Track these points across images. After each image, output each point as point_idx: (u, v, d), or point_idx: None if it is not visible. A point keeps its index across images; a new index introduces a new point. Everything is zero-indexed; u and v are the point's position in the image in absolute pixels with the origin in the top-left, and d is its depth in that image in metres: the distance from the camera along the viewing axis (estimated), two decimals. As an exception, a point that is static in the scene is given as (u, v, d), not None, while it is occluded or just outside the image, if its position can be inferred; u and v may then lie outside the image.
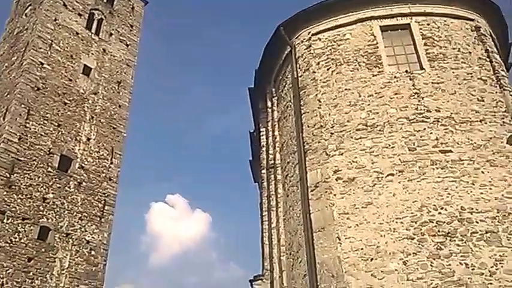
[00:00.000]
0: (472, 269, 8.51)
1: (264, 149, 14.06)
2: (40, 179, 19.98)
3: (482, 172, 9.43)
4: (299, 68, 12.30)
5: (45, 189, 19.95)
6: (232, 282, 65.28)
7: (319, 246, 9.61)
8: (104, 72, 24.36)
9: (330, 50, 12.02)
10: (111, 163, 21.97)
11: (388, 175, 9.74)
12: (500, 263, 8.52)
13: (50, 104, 21.36)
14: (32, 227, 19.13)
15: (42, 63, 22.06)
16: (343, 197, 9.92)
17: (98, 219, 21.01)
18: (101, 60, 24.42)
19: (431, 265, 8.66)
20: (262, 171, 13.97)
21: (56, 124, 21.28)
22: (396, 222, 9.22)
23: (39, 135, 20.43)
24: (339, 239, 9.45)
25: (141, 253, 72.57)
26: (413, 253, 8.83)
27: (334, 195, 10.01)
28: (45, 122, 20.86)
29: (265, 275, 12.30)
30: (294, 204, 11.44)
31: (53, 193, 20.18)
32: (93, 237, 20.77)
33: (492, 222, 8.89)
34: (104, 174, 21.67)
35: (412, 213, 9.22)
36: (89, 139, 21.92)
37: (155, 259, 71.69)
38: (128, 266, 69.07)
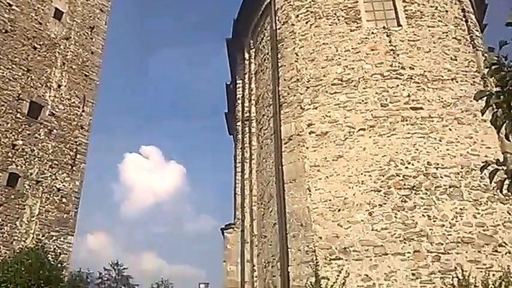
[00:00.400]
0: (434, 221, 8.94)
1: (239, 101, 14.07)
2: (9, 125, 19.47)
3: (450, 129, 9.74)
4: (278, 21, 12.17)
5: (14, 135, 19.50)
6: (205, 233, 66.54)
7: (289, 197, 9.87)
8: (76, 17, 23.46)
9: (310, 2, 11.90)
10: (83, 111, 21.55)
11: (359, 130, 9.95)
12: (460, 216, 8.97)
13: (18, 48, 20.56)
14: (0, 174, 18.81)
15: (10, 5, 21.06)
16: (315, 150, 10.12)
17: (70, 167, 20.79)
18: (73, 4, 23.46)
19: (395, 216, 9.04)
20: (238, 123, 14.04)
21: (25, 69, 20.58)
22: (365, 175, 9.51)
23: (7, 80, 19.76)
24: (309, 191, 9.72)
25: (114, 203, 72.73)
26: (379, 205, 9.18)
27: (307, 148, 10.20)
28: (14, 66, 20.14)
29: (237, 223, 12.62)
30: (267, 156, 11.62)
31: (22, 140, 19.77)
32: (64, 185, 20.61)
33: (456, 177, 9.29)
34: (75, 122, 21.29)
35: (380, 167, 9.51)
36: (60, 86, 21.36)
37: (128, 209, 72.02)
38: (101, 215, 69.29)
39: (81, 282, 11.08)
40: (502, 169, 3.17)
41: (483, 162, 3.25)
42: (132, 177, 70.73)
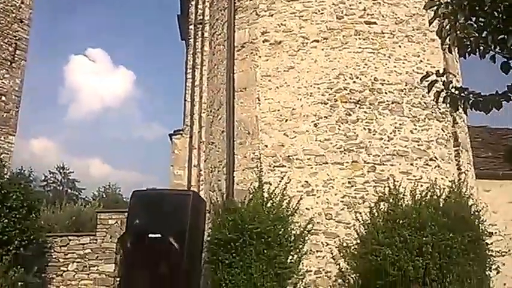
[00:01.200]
0: (373, 134, 9.42)
1: (193, 2, 13.48)
2: None
3: (400, 46, 9.95)
4: None
5: None
6: (154, 140, 66.61)
7: (239, 105, 9.98)
8: None
9: None
10: (22, 3, 19.95)
11: (313, 41, 9.94)
12: (398, 131, 9.49)
13: None
14: None
15: None
16: (268, 60, 10.09)
17: (9, 63, 19.63)
18: None
19: (338, 128, 9.43)
20: (190, 27, 13.57)
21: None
22: (314, 87, 9.69)
23: None
24: (259, 100, 9.84)
25: (59, 106, 70.42)
26: (325, 117, 9.50)
27: (259, 57, 10.14)
28: None
29: (185, 130, 12.71)
30: (219, 63, 11.46)
31: (-45, 30, 18.26)
32: (3, 83, 19.57)
33: (399, 94, 9.67)
34: (13, 15, 19.76)
35: (329, 80, 9.70)
36: (-5, -27, 19.43)
37: (74, 114, 70.15)
38: (45, 119, 67.24)
39: (23, 179, 10.95)
40: (441, 80, 3.35)
41: (424, 75, 3.40)
42: (79, 81, 68.09)
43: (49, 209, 17.80)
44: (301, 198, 8.98)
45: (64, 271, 11.77)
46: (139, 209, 2.76)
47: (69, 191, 41.57)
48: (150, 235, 2.68)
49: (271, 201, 8.94)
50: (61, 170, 41.80)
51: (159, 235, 2.65)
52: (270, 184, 9.05)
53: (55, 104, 69.03)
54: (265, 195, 8.99)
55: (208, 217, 10.27)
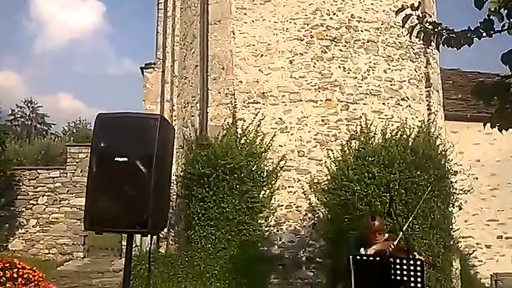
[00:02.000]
0: (348, 73, 9.40)
1: None
2: None
3: (378, -17, 9.71)
4: None
5: None
6: (126, 76, 64.99)
7: (213, 39, 9.69)
8: None
9: None
10: None
11: (290, -27, 9.58)
12: (372, 70, 9.49)
13: None
14: None
15: None
16: (243, -9, 9.72)
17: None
18: None
19: (314, 66, 9.35)
20: (161, -47, 12.82)
21: None
22: (290, 22, 9.47)
23: None
24: (233, 34, 9.58)
25: (24, 39, 67.05)
26: (300, 53, 9.37)
27: (235, -13, 9.74)
28: None
29: (157, 64, 12.36)
30: (192, -7, 10.99)
31: None
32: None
33: (375, 32, 9.57)
34: None
35: (306, 15, 9.47)
36: None
37: (40, 47, 67.16)
38: (10, 52, 64.05)
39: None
40: (415, 14, 3.29)
41: (400, 8, 3.33)
42: (45, 12, 64.62)
43: (16, 142, 17.44)
44: (274, 135, 9.03)
45: (34, 204, 11.76)
46: (105, 132, 2.67)
47: (38, 125, 40.61)
48: (116, 158, 2.61)
49: (244, 137, 8.97)
50: (29, 104, 40.57)
51: (125, 158, 2.59)
52: (244, 120, 9.04)
53: (20, 37, 65.73)
54: (239, 131, 9.00)
55: (181, 152, 10.30)
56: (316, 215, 8.82)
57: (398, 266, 3.62)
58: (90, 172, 2.79)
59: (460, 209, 9.36)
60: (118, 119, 2.85)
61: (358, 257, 3.77)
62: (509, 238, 11.56)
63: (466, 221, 11.07)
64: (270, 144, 8.96)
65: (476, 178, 11.41)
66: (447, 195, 9.01)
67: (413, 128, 9.19)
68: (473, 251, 10.67)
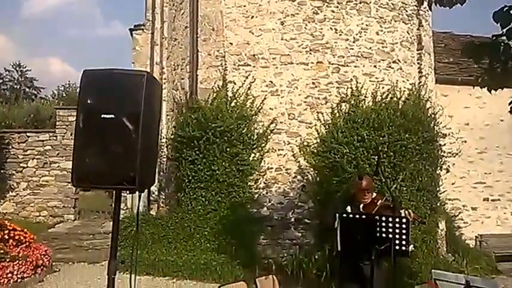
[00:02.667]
0: (340, 35, 9.28)
1: None
2: None
3: None
4: None
5: None
6: (115, 39, 63.64)
7: (203, -1, 9.46)
8: None
9: None
10: None
11: None
12: (364, 32, 9.37)
13: None
14: None
15: None
16: (234, -50, 9.43)
17: None
18: None
19: (305, 27, 9.21)
20: None
21: None
22: (281, -18, 9.24)
23: None
24: (224, -6, 9.35)
25: (12, 1, 64.96)
26: (292, 15, 9.20)
27: None
28: None
29: (147, 25, 12.13)
30: (181, -49, 10.66)
31: None
32: None
33: (368, -7, 9.39)
34: None
35: (298, -25, 9.24)
36: None
37: (28, 9, 65.25)
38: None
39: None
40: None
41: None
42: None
43: (5, 106, 17.19)
44: (265, 98, 8.98)
45: (24, 167, 11.71)
46: (91, 89, 2.63)
47: (27, 89, 39.94)
48: (102, 115, 2.58)
49: (235, 100, 8.92)
50: (17, 68, 39.76)
51: (112, 115, 2.56)
52: (234, 83, 8.95)
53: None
54: (229, 94, 8.94)
55: (172, 115, 10.24)
56: (305, 177, 8.90)
57: (384, 224, 3.68)
58: (77, 129, 2.76)
59: (448, 171, 9.49)
60: (104, 75, 2.80)
61: (344, 215, 3.82)
62: (495, 200, 11.78)
63: (453, 184, 11.24)
64: (260, 107, 8.92)
65: (465, 141, 11.53)
66: (435, 158, 9.11)
67: (404, 91, 9.19)
68: (459, 213, 10.88)
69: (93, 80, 2.78)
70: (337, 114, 8.98)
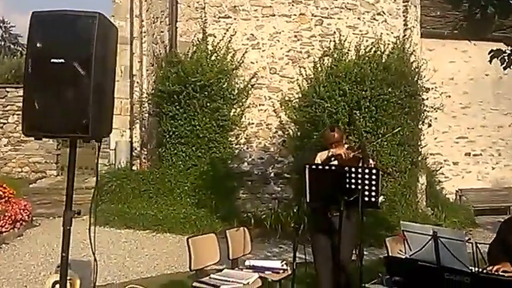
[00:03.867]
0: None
1: None
2: None
3: None
4: None
5: None
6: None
7: None
8: None
9: None
10: None
11: None
12: (349, -18, 9.06)
13: None
14: None
15: None
16: None
17: None
18: None
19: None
20: None
21: None
22: None
23: None
24: None
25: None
26: (274, -36, 8.85)
27: None
28: None
29: (125, -24, 11.64)
30: None
31: None
32: None
33: None
34: None
35: None
36: None
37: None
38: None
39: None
40: None
41: None
42: None
43: (-13, 63, 16.73)
44: (246, 52, 8.77)
45: (4, 123, 11.54)
46: (40, 32, 2.47)
47: (11, 46, 38.84)
48: (52, 60, 2.44)
49: (215, 54, 8.72)
50: (1, 24, 38.50)
51: (62, 60, 2.42)
52: (215, 36, 8.72)
53: None
54: (210, 47, 8.72)
55: (152, 70, 10.03)
56: (286, 133, 8.84)
57: (353, 175, 3.64)
58: (25, 75, 2.63)
59: (430, 126, 9.47)
60: (54, 17, 2.64)
61: (313, 167, 3.76)
62: (476, 155, 11.89)
63: (435, 139, 11.29)
64: (241, 61, 8.74)
65: (449, 96, 11.49)
66: (417, 113, 9.07)
67: (388, 44, 9.02)
68: (440, 167, 10.97)
69: (42, 22, 2.62)
70: (320, 69, 8.83)
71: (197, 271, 4.20)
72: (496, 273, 3.21)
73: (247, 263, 4.46)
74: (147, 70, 10.31)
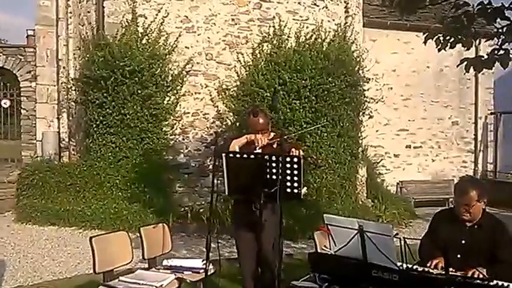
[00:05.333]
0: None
1: None
2: None
3: None
4: None
5: None
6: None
7: None
8: None
9: None
10: None
11: None
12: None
13: None
14: None
15: None
16: None
17: None
18: None
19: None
20: None
21: None
22: None
23: None
24: None
25: None
26: None
27: None
28: None
29: (53, -48, 10.75)
30: None
31: None
32: None
33: None
34: None
35: None
36: None
37: None
38: None
39: None
40: None
41: None
42: None
43: None
44: (180, 36, 8.22)
45: None
46: None
47: None
48: None
49: (146, 37, 8.13)
50: None
51: None
52: (146, 17, 8.12)
53: None
54: (140, 29, 8.12)
55: (79, 54, 9.28)
56: (224, 123, 8.40)
57: (274, 164, 3.26)
58: None
59: (371, 117, 9.35)
60: None
61: (231, 155, 3.34)
62: (417, 147, 11.95)
63: (377, 131, 11.25)
64: (174, 45, 8.19)
65: (391, 88, 11.47)
66: (358, 103, 8.89)
67: (329, 32, 8.75)
68: (381, 159, 10.92)
69: None
70: (258, 55, 8.43)
71: (105, 273, 3.74)
72: (433, 269, 3.05)
73: (165, 262, 4.02)
74: (74, 54, 9.54)
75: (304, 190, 3.37)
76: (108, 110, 7.99)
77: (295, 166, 3.26)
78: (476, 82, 12.16)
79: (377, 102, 9.39)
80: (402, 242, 2.91)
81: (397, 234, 2.79)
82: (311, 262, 3.25)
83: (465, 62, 4.10)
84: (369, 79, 9.15)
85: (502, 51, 3.97)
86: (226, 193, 3.44)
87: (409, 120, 11.76)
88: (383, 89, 10.94)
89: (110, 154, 8.05)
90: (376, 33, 11.17)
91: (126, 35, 7.99)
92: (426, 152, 12.02)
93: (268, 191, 3.23)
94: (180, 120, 8.36)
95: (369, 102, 9.15)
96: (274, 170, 3.29)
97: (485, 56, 4.09)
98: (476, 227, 3.20)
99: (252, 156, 3.38)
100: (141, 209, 7.75)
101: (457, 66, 4.28)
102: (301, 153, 3.58)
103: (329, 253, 3.14)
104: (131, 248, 4.02)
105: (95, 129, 8.10)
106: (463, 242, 3.18)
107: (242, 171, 3.36)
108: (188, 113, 8.41)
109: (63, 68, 9.70)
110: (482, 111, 12.37)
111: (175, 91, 8.26)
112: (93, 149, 8.17)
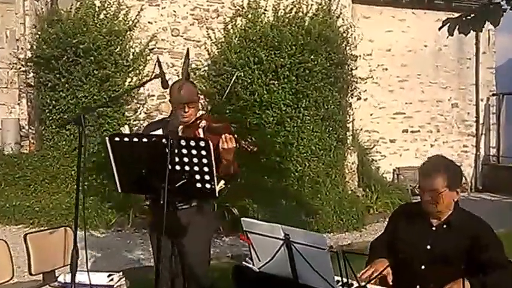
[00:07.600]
0: None
1: None
2: None
3: None
4: None
5: None
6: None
7: None
8: None
9: None
10: None
11: None
12: None
13: None
14: None
15: None
16: None
17: None
18: None
19: None
20: None
21: None
22: None
23: None
24: None
25: None
26: None
27: None
28: None
29: None
30: None
31: None
32: None
33: None
34: None
35: None
36: None
37: None
38: None
39: None
40: None
41: None
42: None
43: None
44: (142, 9, 7.41)
45: None
46: None
47: None
48: None
49: (104, 11, 7.28)
50: None
51: None
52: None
53: None
54: (97, 3, 7.27)
55: (34, 32, 8.42)
56: (194, 106, 7.54)
57: (176, 151, 2.37)
58: None
59: (359, 99, 8.51)
60: None
61: (117, 139, 2.48)
62: (414, 132, 11.04)
63: (371, 115, 10.36)
64: (136, 21, 7.36)
65: (386, 69, 10.56)
66: (344, 84, 8.01)
67: (312, 5, 7.86)
68: (374, 145, 10.03)
69: None
70: (231, 31, 7.61)
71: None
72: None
73: (60, 278, 3.15)
74: (31, 33, 8.68)
75: (220, 185, 2.54)
76: (61, 93, 7.18)
77: (203, 153, 2.37)
78: (477, 61, 11.20)
79: (365, 82, 8.52)
80: (341, 256, 2.06)
81: (331, 247, 1.96)
82: (235, 279, 2.45)
83: (448, 24, 3.18)
84: (357, 57, 8.25)
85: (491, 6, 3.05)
86: (119, 190, 2.56)
87: (405, 103, 10.81)
88: (377, 70, 10.06)
89: (63, 143, 7.27)
90: (368, 10, 10.23)
91: (82, 9, 7.15)
92: (424, 137, 11.09)
93: (171, 186, 2.36)
94: (144, 104, 7.54)
95: (357, 82, 8.27)
96: (177, 159, 2.41)
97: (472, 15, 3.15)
98: (445, 226, 2.39)
99: (145, 139, 2.47)
100: (99, 203, 6.97)
101: (439, 29, 3.34)
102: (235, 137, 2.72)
103: (253, 269, 2.31)
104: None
105: (47, 114, 7.31)
106: (428, 247, 2.38)
107: (134, 160, 2.47)
108: (153, 95, 7.59)
109: (21, 48, 8.85)
110: (483, 92, 11.41)
111: (137, 71, 7.44)
112: (46, 137, 7.37)
